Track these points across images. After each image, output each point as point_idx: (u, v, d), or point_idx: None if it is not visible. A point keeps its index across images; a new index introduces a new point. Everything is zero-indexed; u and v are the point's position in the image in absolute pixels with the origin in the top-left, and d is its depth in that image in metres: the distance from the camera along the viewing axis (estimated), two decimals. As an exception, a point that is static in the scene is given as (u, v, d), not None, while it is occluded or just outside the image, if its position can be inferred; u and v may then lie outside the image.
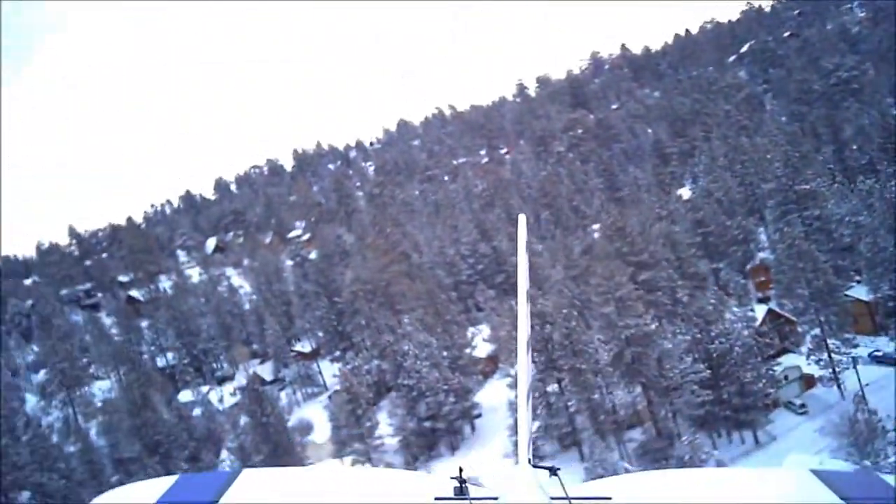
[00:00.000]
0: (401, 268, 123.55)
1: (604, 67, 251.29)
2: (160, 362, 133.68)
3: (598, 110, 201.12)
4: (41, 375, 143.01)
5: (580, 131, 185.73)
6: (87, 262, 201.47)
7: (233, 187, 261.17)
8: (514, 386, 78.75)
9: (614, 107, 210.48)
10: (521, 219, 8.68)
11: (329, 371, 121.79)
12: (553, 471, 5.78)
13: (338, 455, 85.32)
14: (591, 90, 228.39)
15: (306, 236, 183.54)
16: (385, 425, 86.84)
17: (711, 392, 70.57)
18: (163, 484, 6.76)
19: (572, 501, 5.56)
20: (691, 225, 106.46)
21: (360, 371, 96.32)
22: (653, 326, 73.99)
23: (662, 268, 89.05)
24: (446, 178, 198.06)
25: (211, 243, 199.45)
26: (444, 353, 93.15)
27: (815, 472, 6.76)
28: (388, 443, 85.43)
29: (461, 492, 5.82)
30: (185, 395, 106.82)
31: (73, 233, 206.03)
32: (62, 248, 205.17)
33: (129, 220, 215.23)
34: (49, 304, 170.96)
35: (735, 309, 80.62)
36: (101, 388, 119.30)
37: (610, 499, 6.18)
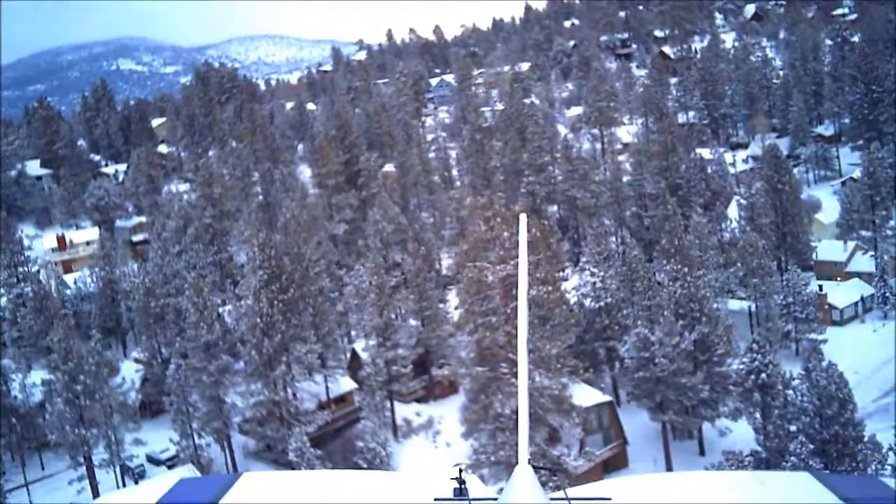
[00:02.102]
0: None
1: None
2: (681, 118, 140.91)
3: None
4: (571, 111, 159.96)
5: None
6: (626, 13, 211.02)
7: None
8: None
9: None
10: (522, 218, 8.76)
11: (847, 159, 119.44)
12: (553, 471, 6.95)
13: (843, 237, 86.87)
14: None
15: (853, 16, 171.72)
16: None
17: None
18: (163, 485, 6.85)
19: (572, 502, 5.56)
20: None
21: (884, 163, 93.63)
22: None
23: None
24: None
25: (750, 9, 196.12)
26: None
27: (816, 475, 6.85)
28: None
29: (461, 492, 5.93)
30: (702, 153, 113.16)
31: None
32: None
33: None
34: (589, 47, 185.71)
35: None
36: (628, 132, 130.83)
37: (609, 499, 6.19)
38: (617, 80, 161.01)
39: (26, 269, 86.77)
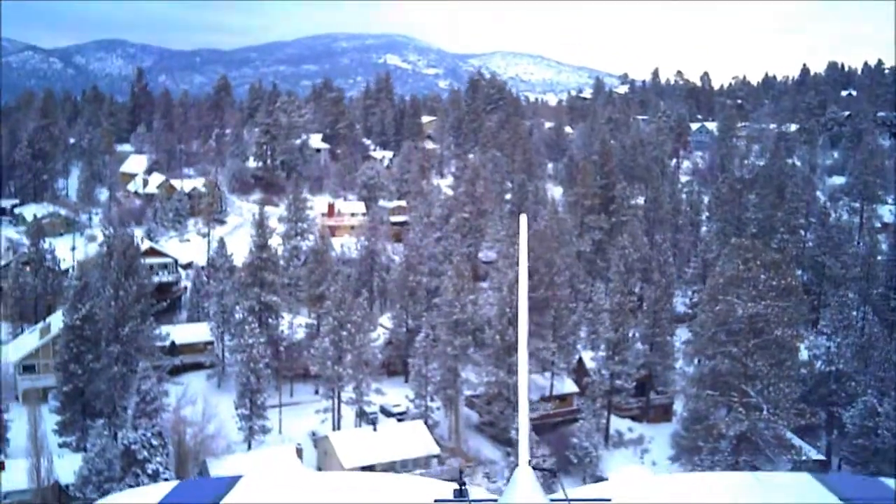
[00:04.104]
0: None
1: None
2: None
3: None
4: (833, 180, 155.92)
5: None
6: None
7: None
8: None
9: None
10: (522, 218, 8.99)
11: None
12: (553, 472, 5.86)
13: None
14: None
15: None
16: None
17: None
18: (164, 487, 6.93)
19: (572, 502, 5.55)
20: None
21: None
22: None
23: None
24: None
25: None
26: None
27: (815, 475, 6.91)
28: None
29: (461, 494, 5.93)
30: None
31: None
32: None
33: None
34: (863, 120, 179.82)
35: None
36: (890, 211, 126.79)
37: (609, 500, 6.16)
38: (888, 159, 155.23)
39: (304, 225, 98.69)
